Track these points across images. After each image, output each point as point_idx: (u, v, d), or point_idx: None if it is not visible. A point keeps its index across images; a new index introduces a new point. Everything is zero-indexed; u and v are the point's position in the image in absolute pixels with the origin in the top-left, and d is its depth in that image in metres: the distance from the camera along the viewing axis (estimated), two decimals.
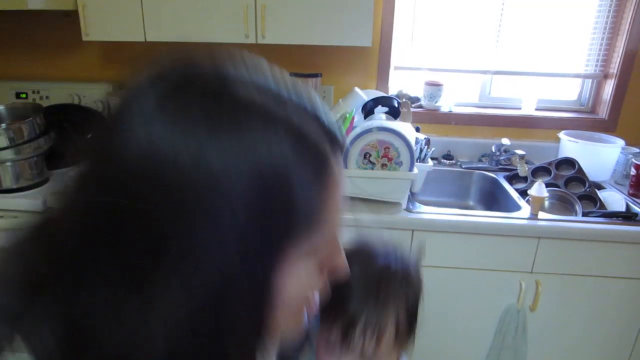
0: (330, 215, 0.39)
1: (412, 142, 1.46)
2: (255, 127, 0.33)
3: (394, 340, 0.62)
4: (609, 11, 1.90)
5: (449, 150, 1.95)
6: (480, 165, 1.91)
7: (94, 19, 1.63)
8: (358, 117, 1.76)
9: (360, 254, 0.64)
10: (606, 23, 1.92)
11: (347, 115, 1.65)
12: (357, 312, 0.59)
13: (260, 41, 1.62)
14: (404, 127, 1.51)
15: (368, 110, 1.72)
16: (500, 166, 1.89)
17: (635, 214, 1.54)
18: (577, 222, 1.47)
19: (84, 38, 1.64)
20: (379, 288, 0.61)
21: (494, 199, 1.79)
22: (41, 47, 2.05)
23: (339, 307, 0.60)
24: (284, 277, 0.37)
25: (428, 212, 1.48)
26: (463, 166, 1.90)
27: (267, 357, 0.50)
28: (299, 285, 0.39)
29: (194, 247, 0.32)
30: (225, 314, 0.34)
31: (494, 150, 1.89)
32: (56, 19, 2.00)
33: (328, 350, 0.63)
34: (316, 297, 0.45)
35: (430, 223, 1.44)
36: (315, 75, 1.84)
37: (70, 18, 2.00)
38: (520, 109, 2.05)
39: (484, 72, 2.02)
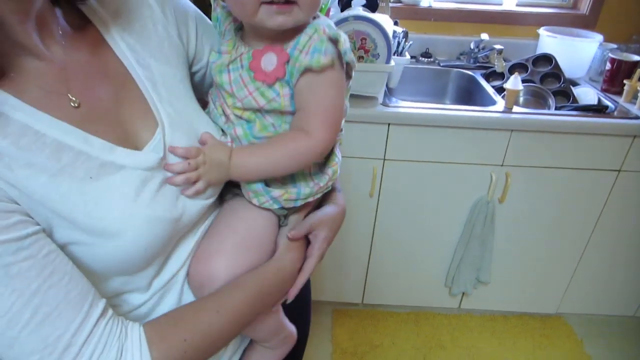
0: None
1: (390, 33, 1.41)
2: None
3: None
4: None
5: (428, 48, 1.90)
6: (458, 63, 1.87)
7: None
8: (335, 10, 1.67)
9: None
10: None
11: (323, 6, 1.56)
12: None
13: None
14: (382, 18, 1.45)
15: (345, 2, 1.63)
16: (478, 64, 1.87)
17: (606, 107, 1.56)
18: (549, 115, 1.49)
19: None
20: None
21: (470, 96, 1.79)
22: None
23: None
24: None
25: (404, 107, 1.47)
26: (441, 64, 1.86)
27: None
28: None
29: None
30: None
31: (472, 47, 1.85)
32: None
33: None
34: None
35: (406, 116, 1.44)
36: None
37: None
38: (501, 4, 1.98)
39: None
